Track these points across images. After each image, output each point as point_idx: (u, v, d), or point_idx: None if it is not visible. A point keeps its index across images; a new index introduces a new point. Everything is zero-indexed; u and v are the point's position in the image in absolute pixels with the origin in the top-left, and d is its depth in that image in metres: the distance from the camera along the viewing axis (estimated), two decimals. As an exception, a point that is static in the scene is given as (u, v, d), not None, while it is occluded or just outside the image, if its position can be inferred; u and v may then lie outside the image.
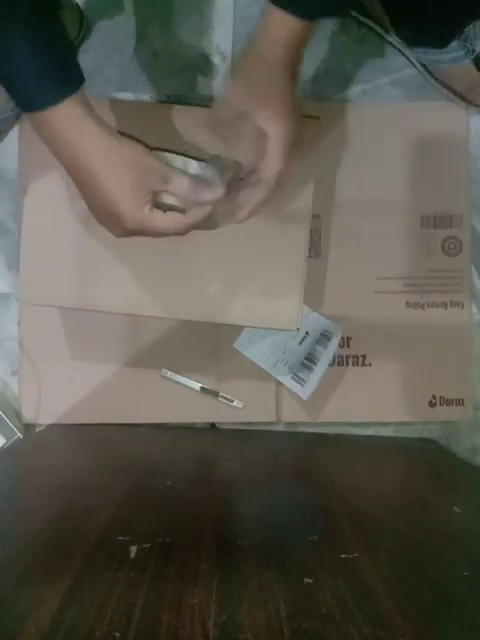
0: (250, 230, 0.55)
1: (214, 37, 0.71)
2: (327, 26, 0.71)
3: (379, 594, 0.33)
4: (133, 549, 0.37)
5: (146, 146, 0.46)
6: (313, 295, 0.68)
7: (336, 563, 0.36)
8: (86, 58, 0.70)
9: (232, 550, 0.38)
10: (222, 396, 0.70)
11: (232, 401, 0.70)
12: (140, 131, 0.47)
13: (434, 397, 0.71)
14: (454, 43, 0.64)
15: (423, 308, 0.71)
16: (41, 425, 0.71)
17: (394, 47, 0.71)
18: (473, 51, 0.64)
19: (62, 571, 0.34)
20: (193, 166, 0.49)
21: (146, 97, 0.71)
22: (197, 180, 0.46)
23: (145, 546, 0.38)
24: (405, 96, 0.72)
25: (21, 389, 0.71)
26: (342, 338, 0.70)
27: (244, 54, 0.49)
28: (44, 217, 0.57)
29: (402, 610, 0.31)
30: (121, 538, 0.39)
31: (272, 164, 0.50)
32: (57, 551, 0.37)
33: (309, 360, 0.68)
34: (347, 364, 0.71)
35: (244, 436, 0.72)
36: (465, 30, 0.63)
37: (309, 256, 0.58)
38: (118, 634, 0.29)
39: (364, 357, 0.71)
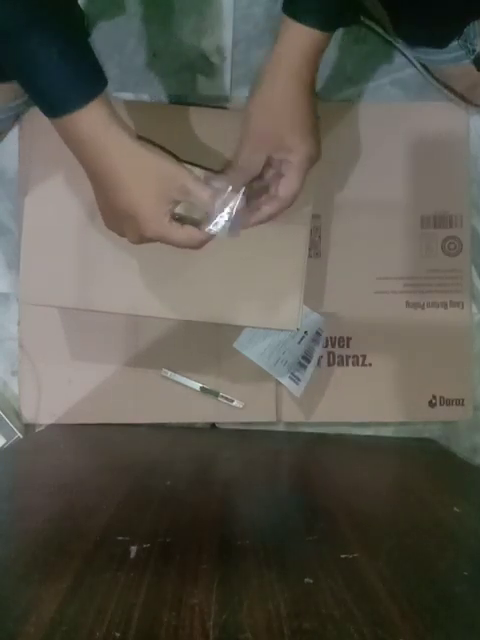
0: (250, 230, 0.55)
1: (214, 37, 0.71)
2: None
3: (379, 594, 0.33)
4: (133, 549, 0.37)
5: (169, 153, 0.46)
6: (313, 295, 0.68)
7: (336, 563, 0.36)
8: (86, 58, 0.70)
9: (232, 550, 0.38)
10: (222, 396, 0.70)
11: (232, 401, 0.70)
12: (154, 134, 0.47)
13: (434, 397, 0.71)
14: (454, 43, 0.64)
15: (423, 308, 0.71)
16: (41, 425, 0.71)
17: (394, 47, 0.71)
18: (473, 51, 0.64)
19: (62, 571, 0.34)
20: (210, 178, 0.49)
21: (146, 97, 0.71)
22: (216, 193, 0.46)
23: (145, 546, 0.38)
24: (405, 96, 0.72)
25: (21, 389, 0.71)
26: (342, 338, 0.70)
27: (264, 72, 0.48)
28: (44, 217, 0.57)
29: (402, 610, 0.31)
30: (121, 538, 0.39)
31: (292, 185, 0.49)
32: (57, 551, 0.37)
33: (305, 359, 0.68)
34: (347, 364, 0.71)
35: (244, 436, 0.72)
36: (465, 30, 0.63)
37: (309, 256, 0.58)
38: (118, 634, 0.29)
39: (364, 357, 0.71)
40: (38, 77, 0.40)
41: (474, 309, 0.73)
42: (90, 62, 0.41)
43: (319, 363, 0.69)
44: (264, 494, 0.52)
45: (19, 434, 0.69)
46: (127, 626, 0.29)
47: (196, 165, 0.50)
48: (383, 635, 0.29)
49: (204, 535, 0.40)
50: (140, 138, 0.45)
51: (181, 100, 0.71)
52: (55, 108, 0.41)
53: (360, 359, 0.71)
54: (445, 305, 0.71)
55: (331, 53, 0.71)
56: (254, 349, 0.68)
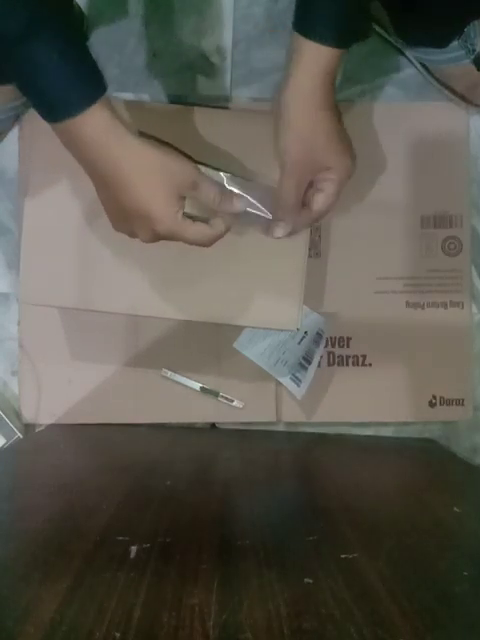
0: (250, 230, 0.55)
1: (214, 37, 0.71)
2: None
3: (379, 594, 0.33)
4: (133, 549, 0.37)
5: (172, 148, 0.46)
6: (313, 295, 0.68)
7: (336, 563, 0.36)
8: (86, 58, 0.70)
9: (232, 550, 0.38)
10: (222, 396, 0.70)
11: (232, 401, 0.70)
12: (154, 134, 0.47)
13: (434, 397, 0.71)
14: (454, 43, 0.64)
15: (423, 308, 0.71)
16: (41, 425, 0.71)
17: (394, 47, 0.71)
18: (473, 51, 0.64)
19: (62, 571, 0.34)
20: (220, 178, 0.49)
21: (146, 97, 0.71)
22: (224, 190, 0.46)
23: (145, 546, 0.38)
24: (405, 96, 0.72)
25: (21, 389, 0.71)
26: (342, 338, 0.70)
27: (287, 102, 0.47)
28: (44, 217, 0.57)
29: (402, 610, 0.31)
30: (121, 538, 0.39)
31: (329, 200, 0.49)
32: (57, 551, 0.37)
33: (305, 360, 0.68)
34: (347, 364, 0.71)
35: (244, 436, 0.72)
36: (465, 30, 0.63)
37: (309, 256, 0.58)
38: (118, 634, 0.29)
39: (364, 357, 0.71)
40: (38, 78, 0.39)
41: (474, 309, 0.73)
42: (90, 65, 0.41)
43: (319, 364, 0.69)
44: (264, 494, 0.52)
45: (19, 434, 0.69)
46: (127, 626, 0.29)
47: (206, 164, 0.50)
48: (383, 635, 0.29)
49: (204, 535, 0.40)
50: (143, 135, 0.44)
51: (181, 100, 0.71)
52: (56, 111, 0.41)
53: (360, 359, 0.71)
54: (445, 305, 0.71)
55: (331, 53, 0.71)
56: (254, 349, 0.68)
